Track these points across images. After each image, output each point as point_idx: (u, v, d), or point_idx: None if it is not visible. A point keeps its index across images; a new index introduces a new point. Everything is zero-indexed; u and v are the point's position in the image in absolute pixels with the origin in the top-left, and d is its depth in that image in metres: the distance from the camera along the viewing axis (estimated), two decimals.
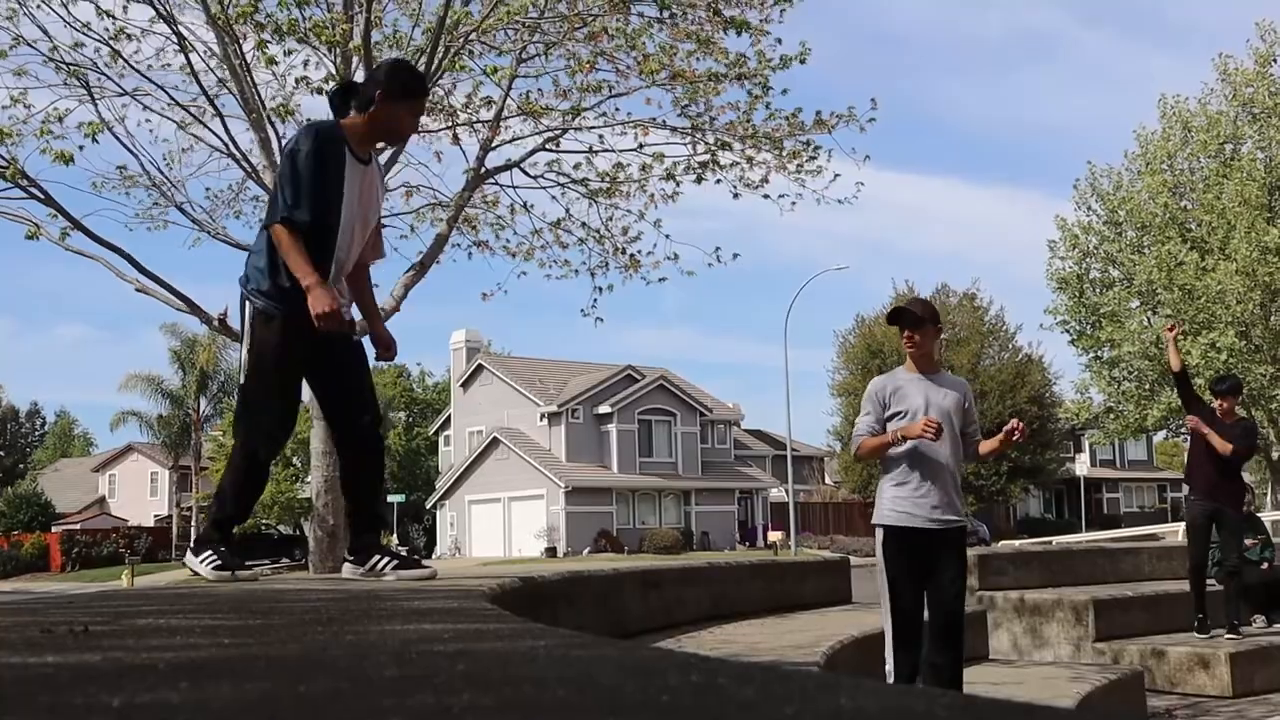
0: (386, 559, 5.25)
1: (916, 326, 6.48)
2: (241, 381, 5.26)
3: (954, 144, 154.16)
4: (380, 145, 5.93)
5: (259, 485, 5.36)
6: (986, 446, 6.76)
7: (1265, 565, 12.03)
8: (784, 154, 12.01)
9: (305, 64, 11.15)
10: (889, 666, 6.41)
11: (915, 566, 6.37)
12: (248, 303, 5.16)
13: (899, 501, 6.38)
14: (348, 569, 5.34)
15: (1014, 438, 6.49)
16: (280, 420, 5.23)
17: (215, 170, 11.95)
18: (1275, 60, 39.87)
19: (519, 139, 12.32)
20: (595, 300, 12.87)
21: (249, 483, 5.31)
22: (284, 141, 5.39)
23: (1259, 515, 13.55)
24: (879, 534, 6.48)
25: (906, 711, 1.27)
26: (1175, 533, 35.02)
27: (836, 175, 12.13)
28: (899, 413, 6.40)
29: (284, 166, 5.07)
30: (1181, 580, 12.49)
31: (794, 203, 12.40)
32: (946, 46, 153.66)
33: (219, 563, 5.13)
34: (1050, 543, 30.24)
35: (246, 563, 5.32)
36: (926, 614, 6.45)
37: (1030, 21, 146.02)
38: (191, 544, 5.39)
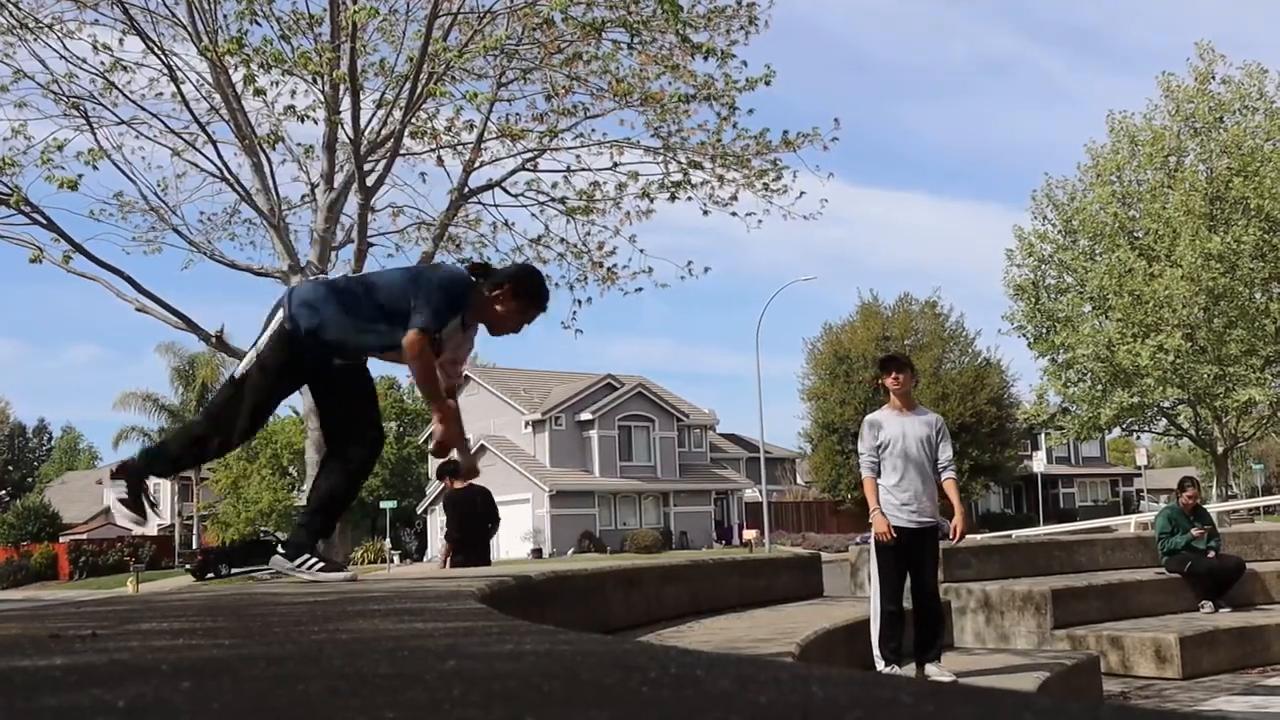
0: (317, 560, 5.40)
1: (901, 370, 7.81)
2: (243, 370, 5.34)
3: (919, 160, 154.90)
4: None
5: (236, 412, 5.39)
6: (951, 495, 7.81)
7: (1211, 554, 12.09)
8: (752, 173, 12.03)
9: (293, 93, 11.12)
10: (875, 637, 7.72)
11: (900, 553, 7.73)
12: (280, 315, 5.26)
13: (889, 507, 7.74)
14: (277, 560, 5.43)
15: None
16: (259, 411, 5.43)
17: (209, 194, 11.92)
18: (1214, 78, 40.18)
19: (499, 160, 12.32)
20: (575, 313, 12.88)
21: (230, 408, 5.39)
22: (444, 263, 5.57)
23: (1204, 507, 13.61)
24: (873, 530, 7.81)
25: (874, 699, 1.27)
26: (1128, 525, 35.17)
27: (802, 193, 12.16)
28: (884, 443, 7.76)
29: (438, 285, 5.22)
30: (1135, 569, 12.56)
31: (760, 220, 12.43)
32: (913, 70, 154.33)
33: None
34: (1010, 536, 30.30)
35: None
36: (909, 600, 7.81)
37: (990, 46, 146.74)
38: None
